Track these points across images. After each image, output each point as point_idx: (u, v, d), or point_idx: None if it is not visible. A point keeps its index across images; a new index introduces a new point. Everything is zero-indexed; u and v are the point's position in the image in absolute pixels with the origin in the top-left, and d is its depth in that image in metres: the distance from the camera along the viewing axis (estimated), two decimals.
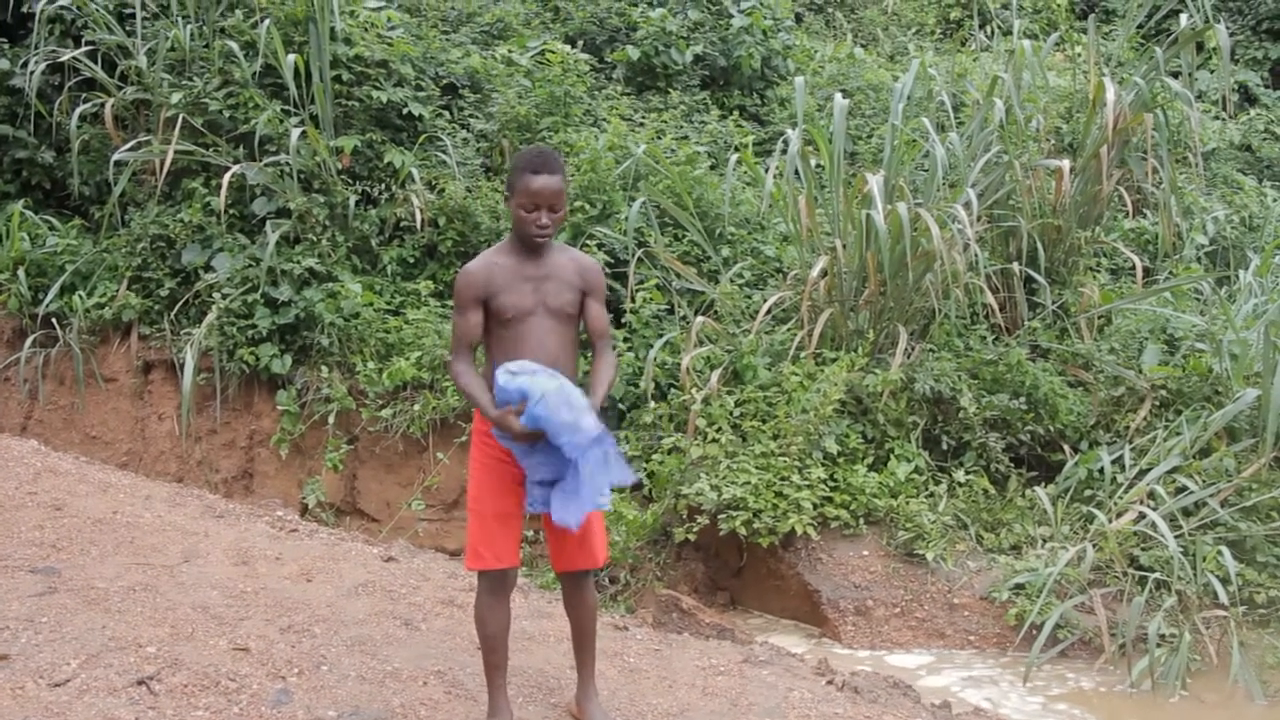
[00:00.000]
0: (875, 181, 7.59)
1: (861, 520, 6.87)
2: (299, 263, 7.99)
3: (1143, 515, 6.60)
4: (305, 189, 8.29)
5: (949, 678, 6.08)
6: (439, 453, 7.74)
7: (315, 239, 8.17)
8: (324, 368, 7.91)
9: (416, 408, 7.71)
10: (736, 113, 10.73)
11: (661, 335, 7.76)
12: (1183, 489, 6.82)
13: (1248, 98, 14.13)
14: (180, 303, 8.37)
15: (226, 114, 8.65)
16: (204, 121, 8.65)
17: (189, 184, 8.56)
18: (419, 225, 8.40)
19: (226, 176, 8.20)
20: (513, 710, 4.10)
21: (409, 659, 4.67)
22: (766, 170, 8.42)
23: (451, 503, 7.86)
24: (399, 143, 8.88)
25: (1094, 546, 6.54)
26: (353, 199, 8.38)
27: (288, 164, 8.22)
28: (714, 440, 7.06)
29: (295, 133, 8.17)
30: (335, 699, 4.22)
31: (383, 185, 8.62)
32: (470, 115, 9.44)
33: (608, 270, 8.06)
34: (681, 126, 9.93)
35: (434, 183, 8.68)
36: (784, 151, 8.13)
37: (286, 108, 8.64)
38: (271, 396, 8.07)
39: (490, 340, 3.94)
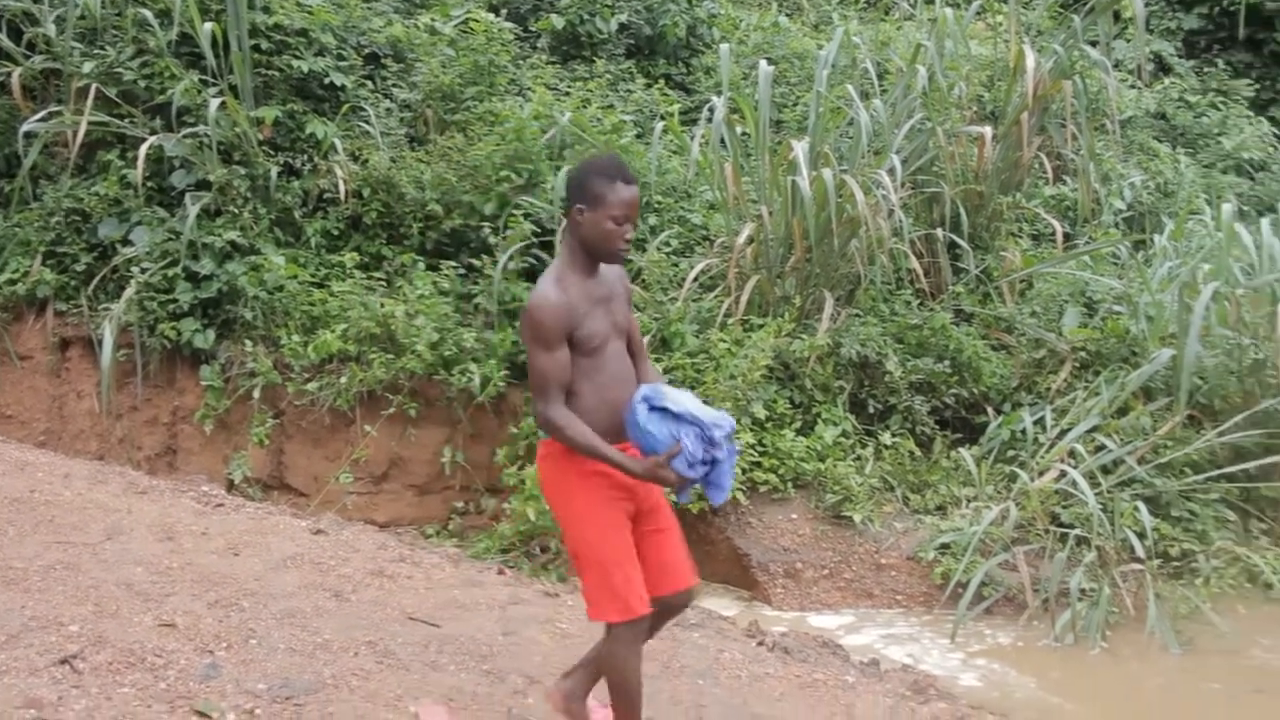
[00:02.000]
0: (800, 148, 7.63)
1: (790, 484, 6.93)
2: (220, 236, 7.86)
3: (1064, 474, 6.74)
4: (225, 161, 8.14)
5: (869, 636, 6.18)
6: (367, 425, 7.68)
7: (237, 211, 8.03)
8: (248, 342, 7.80)
9: (343, 380, 7.64)
10: (662, 81, 10.71)
11: None
12: (1101, 447, 6.96)
13: (1162, 67, 14.37)
14: (98, 278, 8.20)
15: (142, 84, 8.46)
16: (118, 92, 8.46)
17: (104, 156, 8.37)
18: (343, 197, 8.30)
19: (143, 148, 8.03)
20: None
21: (339, 630, 4.64)
22: (692, 138, 8.42)
23: (380, 475, 7.81)
24: (321, 113, 8.75)
25: (1017, 505, 6.66)
26: (274, 171, 8.25)
27: (207, 135, 8.07)
28: None
29: (214, 103, 8.02)
30: (265, 672, 4.18)
31: (305, 157, 8.49)
32: (393, 85, 9.32)
33: (533, 239, 8.04)
34: (607, 95, 9.90)
35: (357, 154, 8.56)
36: (710, 120, 8.15)
37: (204, 78, 8.47)
38: (194, 372, 7.94)
39: (571, 373, 3.50)
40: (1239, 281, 7.74)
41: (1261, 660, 5.78)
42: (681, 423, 3.39)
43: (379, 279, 8.13)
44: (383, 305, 7.74)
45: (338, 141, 8.44)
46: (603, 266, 3.60)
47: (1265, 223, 7.95)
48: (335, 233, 8.43)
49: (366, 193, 8.38)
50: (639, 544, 3.60)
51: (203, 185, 8.11)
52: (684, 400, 3.44)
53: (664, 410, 3.42)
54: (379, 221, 8.44)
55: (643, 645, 3.64)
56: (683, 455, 3.38)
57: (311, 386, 7.67)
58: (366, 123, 8.71)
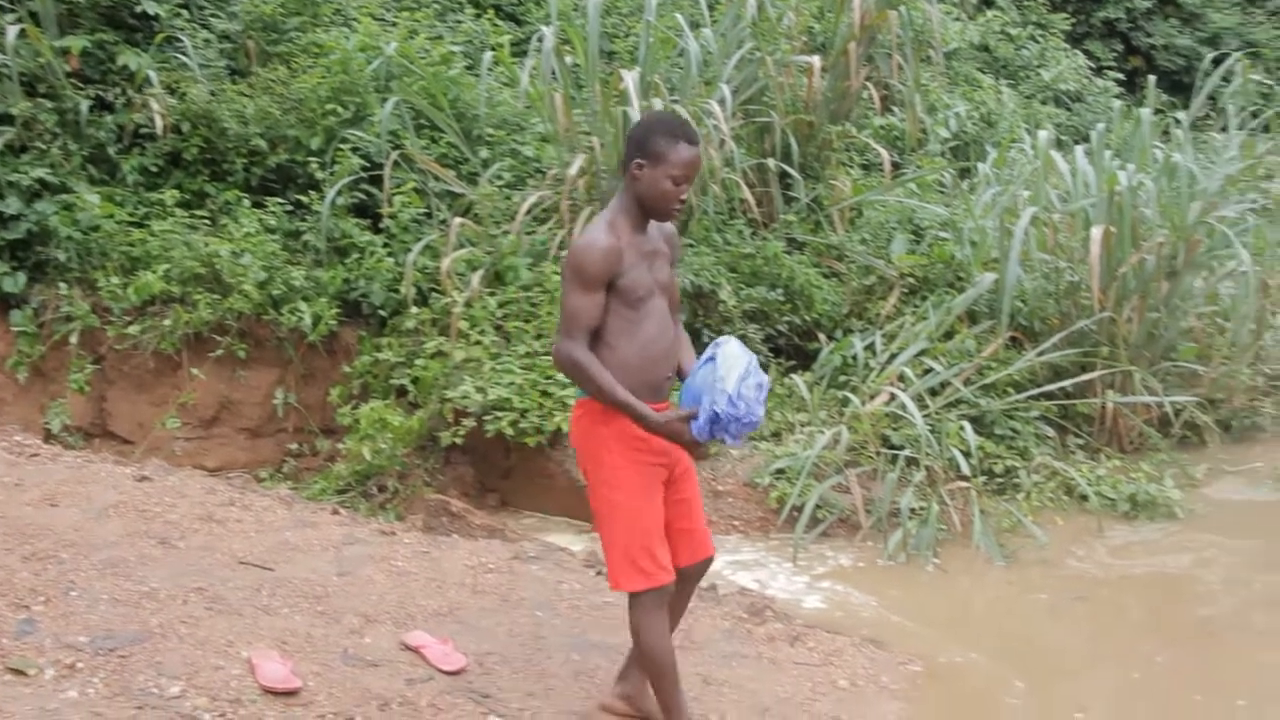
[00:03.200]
0: (631, 79, 7.59)
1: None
2: (27, 174, 7.44)
3: (893, 397, 6.91)
4: (29, 93, 7.71)
5: (716, 563, 6.24)
6: (193, 368, 7.45)
7: (45, 148, 7.62)
8: (63, 285, 7.45)
9: (167, 323, 7.39)
10: (492, 11, 10.54)
11: (420, 239, 7.62)
12: (929, 370, 7.17)
13: (985, 0, 14.71)
14: None
15: None
16: None
17: None
18: (160, 132, 7.96)
19: None
20: None
21: (167, 578, 4.50)
22: (523, 70, 8.31)
23: (210, 419, 7.61)
24: (134, 44, 8.35)
25: (849, 429, 6.81)
26: (85, 104, 7.85)
27: (6, 66, 7.63)
28: (477, 342, 7.02)
29: (12, 30, 7.56)
30: (86, 624, 4.03)
31: (118, 90, 8.11)
32: (211, 15, 8.96)
33: (362, 173, 7.87)
34: (435, 26, 9.70)
35: (174, 87, 8.21)
36: (540, 50, 8.04)
37: (1, 3, 8.00)
38: (4, 317, 7.56)
39: (610, 322, 3.43)
40: (1056, 207, 8.02)
41: (1078, 569, 6.04)
42: (714, 390, 3.33)
43: (202, 217, 7.85)
44: (207, 244, 7.49)
45: (153, 74, 8.08)
46: (651, 224, 3.56)
47: (1080, 151, 8.23)
48: (154, 170, 8.09)
49: (186, 128, 8.06)
50: (666, 511, 3.59)
51: (4, 119, 7.68)
52: (732, 365, 3.35)
53: (711, 362, 3.38)
54: (200, 158, 8.14)
55: (666, 615, 3.61)
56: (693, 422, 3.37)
57: (133, 330, 7.39)
58: (183, 54, 8.36)
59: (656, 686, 3.65)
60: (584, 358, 3.38)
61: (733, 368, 3.33)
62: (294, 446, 7.65)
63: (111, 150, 8.00)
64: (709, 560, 3.79)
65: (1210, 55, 11.30)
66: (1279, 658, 5.03)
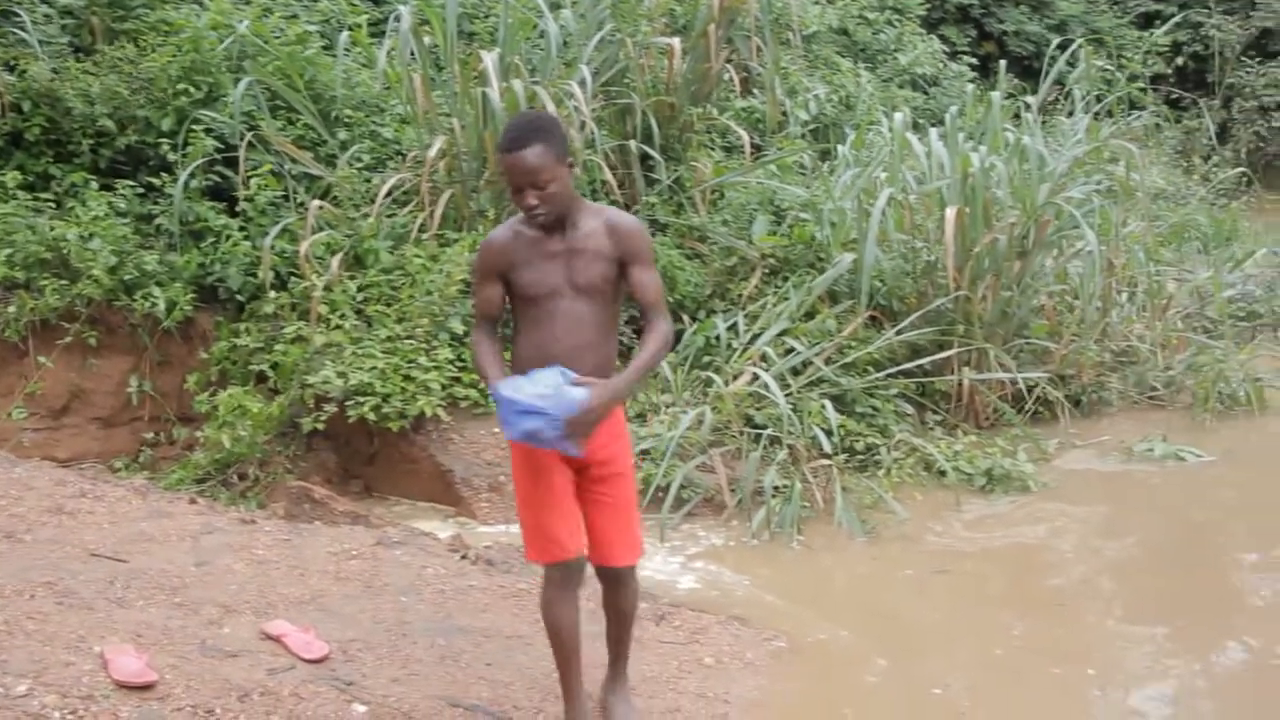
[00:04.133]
0: (490, 59, 7.54)
1: (491, 398, 6.91)
2: None
3: (756, 377, 6.98)
4: None
5: None
6: (41, 356, 7.19)
7: None
8: None
9: (12, 309, 7.12)
10: None
11: (278, 222, 7.46)
12: (791, 350, 7.26)
13: None
14: None
15: None
16: None
17: None
18: (0, 111, 7.66)
19: None
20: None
21: (12, 573, 4.36)
22: (380, 50, 8.19)
23: (60, 409, 7.36)
24: None
25: (713, 409, 6.87)
26: None
27: None
28: (338, 327, 6.91)
29: None
30: None
31: None
32: None
33: (216, 155, 7.67)
34: (290, 4, 9.46)
35: (13, 64, 7.89)
36: (398, 30, 7.93)
37: None
38: None
39: (517, 318, 3.58)
40: (912, 188, 8.19)
41: (937, 543, 6.18)
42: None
43: (47, 200, 7.57)
44: (53, 228, 7.23)
45: None
46: (597, 219, 3.54)
47: (934, 133, 8.41)
48: None
49: (27, 106, 7.74)
50: (584, 503, 3.67)
51: None
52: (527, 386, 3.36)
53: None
54: (43, 138, 7.82)
55: (574, 595, 3.65)
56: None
57: None
58: (21, 29, 8.03)
59: (555, 662, 3.70)
60: (474, 339, 3.63)
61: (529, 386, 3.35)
62: (150, 435, 7.45)
63: None
64: (615, 570, 3.77)
65: (1057, 41, 11.66)
66: (1125, 626, 5.23)
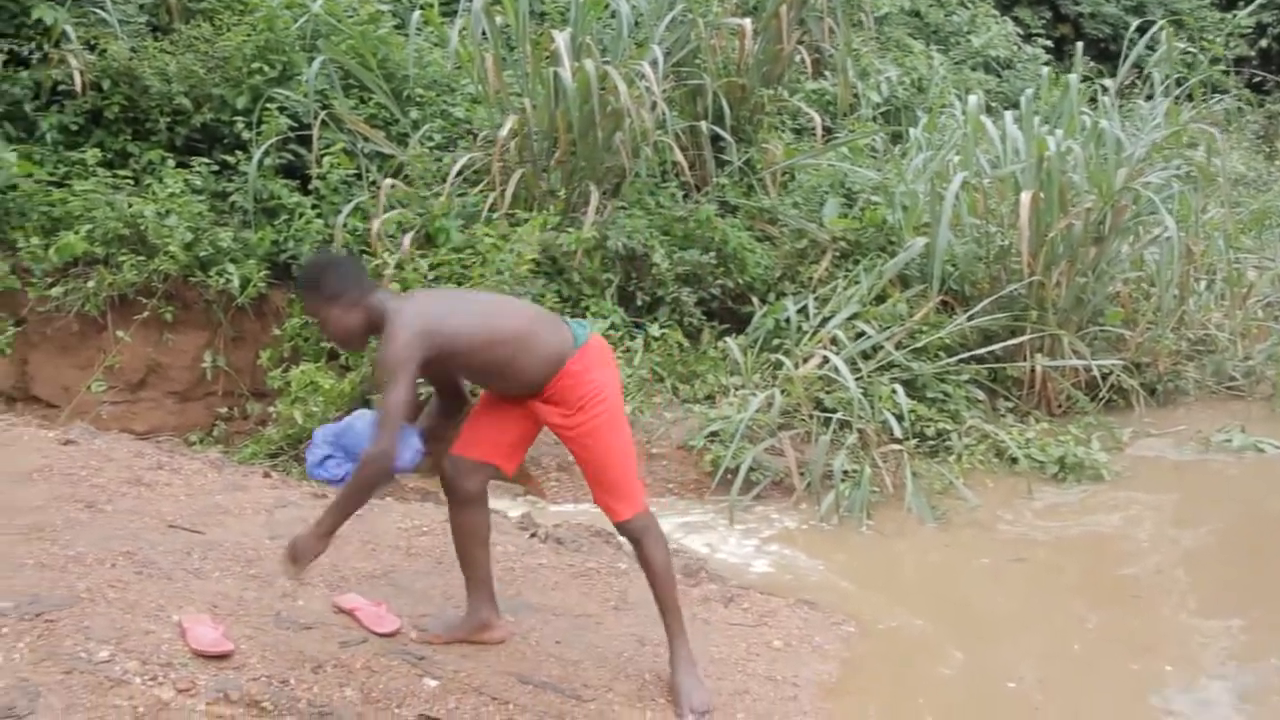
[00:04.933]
0: (562, 39, 7.54)
1: None
2: None
3: (826, 360, 6.95)
4: None
5: (667, 525, 6.19)
6: (119, 331, 7.30)
7: None
8: None
9: (91, 284, 7.23)
10: None
11: (350, 200, 7.53)
12: (861, 334, 7.21)
13: None
14: None
15: None
16: None
17: None
18: (80, 89, 7.76)
19: None
20: None
21: (94, 541, 4.41)
22: (452, 29, 8.21)
23: (137, 383, 7.47)
24: None
25: (782, 392, 6.84)
26: None
27: None
28: None
29: None
30: (10, 589, 3.94)
31: (33, 45, 7.88)
32: None
33: (290, 134, 7.74)
34: None
35: (93, 42, 8.01)
36: (469, 10, 7.95)
37: None
38: None
39: None
40: (986, 172, 8.09)
41: (1008, 530, 6.12)
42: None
43: (125, 177, 7.68)
44: (131, 205, 7.33)
45: (69, 29, 7.84)
46: None
47: (1009, 116, 8.29)
48: (74, 128, 7.88)
49: (106, 85, 7.85)
50: None
51: None
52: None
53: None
54: (122, 116, 7.94)
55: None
56: None
57: (56, 291, 7.23)
58: (101, 9, 8.14)
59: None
60: None
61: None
62: (224, 410, 7.54)
63: (28, 107, 7.77)
64: (618, 525, 3.92)
65: (1136, 23, 11.44)
66: (1200, 620, 5.13)
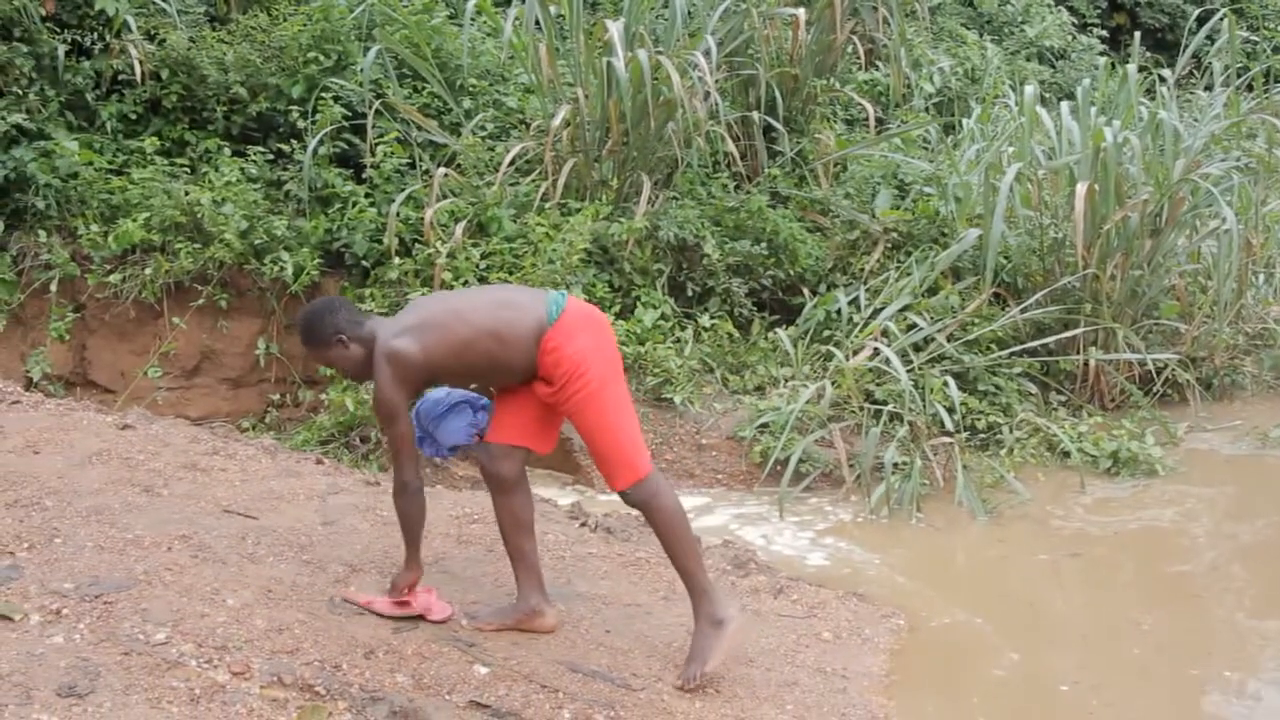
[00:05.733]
0: (615, 29, 7.54)
1: None
2: (4, 119, 7.34)
3: (877, 352, 6.92)
4: (4, 38, 7.60)
5: (722, 517, 6.21)
6: (175, 318, 7.41)
7: (21, 93, 7.51)
8: (42, 232, 7.37)
9: (148, 271, 7.33)
10: None
11: (403, 189, 7.58)
12: (913, 326, 7.18)
13: None
14: None
15: None
16: None
17: None
18: (139, 79, 7.85)
19: None
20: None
21: (151, 525, 4.48)
22: (506, 19, 8.24)
23: (192, 369, 7.57)
24: None
25: (832, 384, 6.82)
26: (61, 49, 7.73)
27: None
28: None
29: None
30: (71, 571, 4.01)
31: (95, 35, 7.98)
32: None
33: (344, 123, 7.80)
34: None
35: (153, 33, 8.11)
36: (523, 0, 7.96)
37: None
38: None
39: None
40: (1040, 163, 8.01)
41: (1060, 525, 6.06)
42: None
43: (182, 165, 7.78)
44: (187, 193, 7.42)
45: (130, 19, 7.94)
46: None
47: (1064, 107, 8.21)
48: (133, 117, 8.00)
49: (165, 74, 7.95)
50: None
51: None
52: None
53: None
54: (180, 105, 8.04)
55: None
56: None
57: (114, 278, 7.34)
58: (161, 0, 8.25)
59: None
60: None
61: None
62: (276, 397, 7.62)
63: (89, 97, 7.89)
64: (622, 494, 3.99)
65: (1196, 12, 11.27)
66: (1259, 622, 5.07)
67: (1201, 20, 9.93)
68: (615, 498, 6.24)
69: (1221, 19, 9.47)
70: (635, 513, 5.56)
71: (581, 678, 3.85)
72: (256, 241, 7.38)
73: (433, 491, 5.56)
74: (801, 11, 8.71)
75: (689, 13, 8.36)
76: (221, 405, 7.60)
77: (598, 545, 5.08)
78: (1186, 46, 9.35)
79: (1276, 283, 8.89)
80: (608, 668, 3.94)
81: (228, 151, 7.84)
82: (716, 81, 7.90)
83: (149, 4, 8.29)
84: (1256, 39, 14.01)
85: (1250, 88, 9.71)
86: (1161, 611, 5.07)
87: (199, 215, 7.33)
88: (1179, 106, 8.90)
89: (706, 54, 7.82)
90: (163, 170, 7.60)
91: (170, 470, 5.15)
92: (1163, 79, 8.96)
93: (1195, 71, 11.16)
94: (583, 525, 5.29)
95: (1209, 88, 9.71)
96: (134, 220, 7.31)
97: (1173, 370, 7.62)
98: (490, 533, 4.93)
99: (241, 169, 7.69)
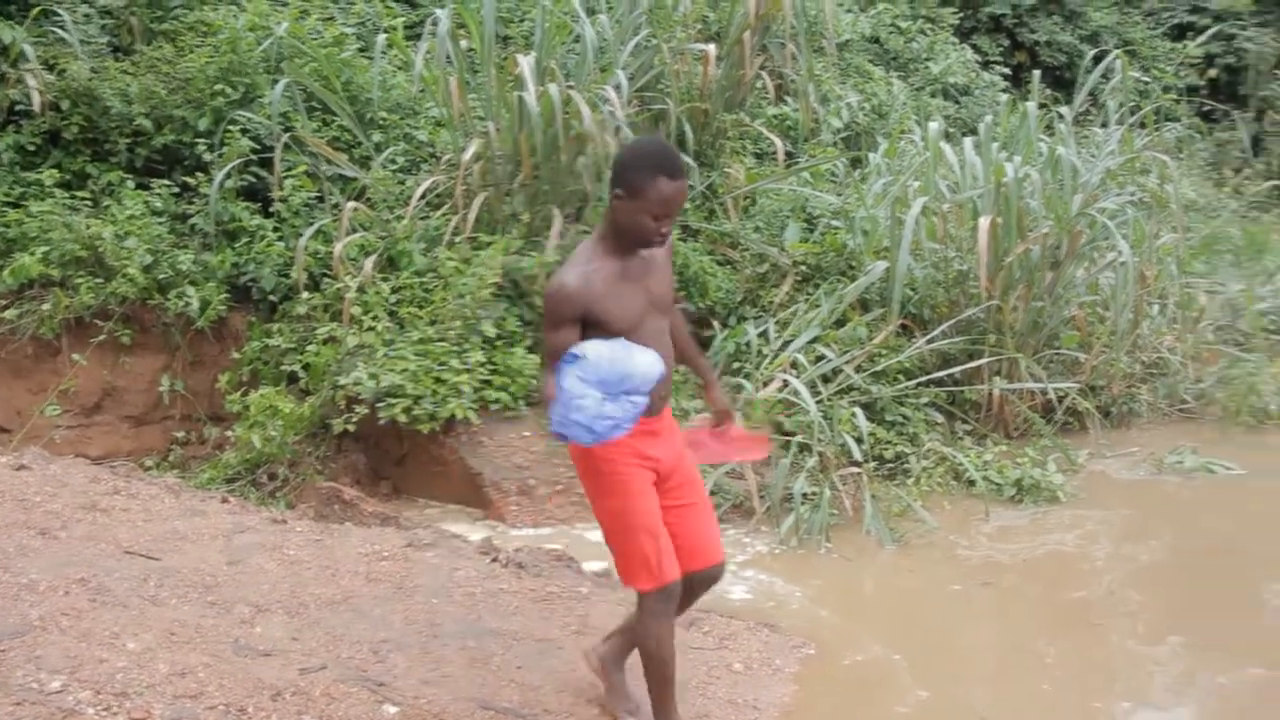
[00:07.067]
0: (526, 63, 7.56)
1: (521, 402, 6.93)
2: None
3: (786, 383, 6.97)
4: None
5: None
6: (75, 354, 7.25)
7: None
8: None
9: (46, 307, 7.18)
10: None
11: (312, 223, 7.50)
12: (822, 357, 7.25)
13: None
14: None
15: None
16: None
17: None
18: (38, 109, 7.71)
19: None
20: None
21: (47, 569, 4.38)
22: (417, 53, 8.22)
23: (92, 407, 7.41)
24: (7, 16, 8.06)
25: (742, 415, 6.85)
26: None
27: None
28: (370, 328, 6.93)
29: None
30: None
31: None
32: None
33: (252, 156, 7.72)
34: (328, 6, 9.52)
35: (53, 63, 7.96)
36: (434, 33, 7.96)
37: None
38: None
39: None
40: (945, 197, 8.16)
41: (966, 554, 6.15)
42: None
43: (84, 199, 7.63)
44: (89, 226, 7.28)
45: (28, 48, 7.80)
46: None
47: (968, 142, 8.38)
48: (31, 148, 7.83)
49: (66, 105, 7.80)
50: (666, 517, 3.59)
51: None
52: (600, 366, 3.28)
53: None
54: (81, 137, 7.89)
55: (674, 618, 3.64)
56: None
57: (10, 314, 7.17)
58: (61, 29, 8.10)
59: (654, 691, 3.68)
60: (549, 380, 3.37)
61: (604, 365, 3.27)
62: (181, 434, 7.49)
63: None
64: (718, 567, 3.78)
65: (1091, 52, 11.58)
66: (1149, 648, 5.16)
67: (1097, 59, 10.20)
68: (527, 533, 6.28)
69: (1115, 59, 9.75)
70: (547, 548, 5.59)
71: (494, 715, 3.83)
72: (161, 276, 7.27)
73: (341, 529, 5.50)
74: (712, 47, 8.80)
75: (600, 48, 8.41)
76: (123, 443, 7.45)
77: (509, 581, 5.05)
78: (1083, 85, 9.60)
79: (1170, 313, 9.13)
80: (519, 704, 3.92)
81: (131, 184, 7.72)
82: (627, 115, 7.94)
83: (48, 33, 8.14)
84: (1148, 80, 14.43)
85: (1143, 125, 10.00)
86: (1066, 642, 5.13)
87: (100, 249, 7.20)
88: (1076, 143, 9.11)
89: (617, 88, 7.87)
90: (62, 203, 7.46)
91: (68, 511, 5.04)
92: (1061, 116, 9.18)
93: (1092, 109, 11.46)
94: (494, 561, 5.26)
95: (1104, 124, 9.98)
96: (31, 254, 7.16)
97: (1073, 399, 7.78)
98: (399, 570, 4.88)
99: (146, 202, 7.57)
